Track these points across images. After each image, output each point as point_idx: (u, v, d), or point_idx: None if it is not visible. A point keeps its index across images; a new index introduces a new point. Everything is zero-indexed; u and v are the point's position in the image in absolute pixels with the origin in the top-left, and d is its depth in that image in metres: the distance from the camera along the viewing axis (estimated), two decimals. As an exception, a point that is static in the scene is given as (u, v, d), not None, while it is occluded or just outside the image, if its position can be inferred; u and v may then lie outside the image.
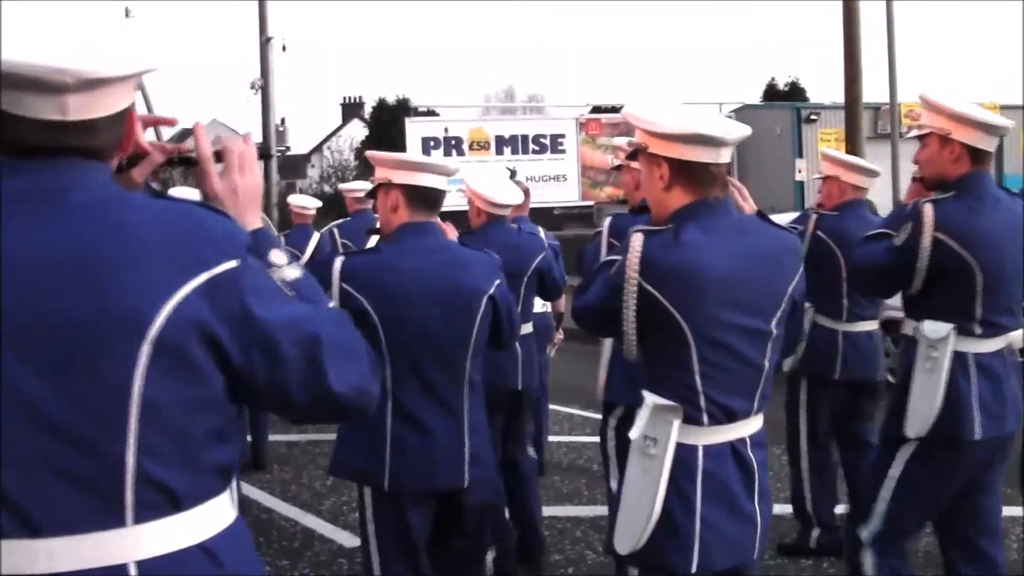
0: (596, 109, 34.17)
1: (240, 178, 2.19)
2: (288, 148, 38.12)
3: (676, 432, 3.10)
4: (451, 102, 41.43)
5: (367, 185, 9.34)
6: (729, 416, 3.18)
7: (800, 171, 29.01)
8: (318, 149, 61.16)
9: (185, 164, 2.21)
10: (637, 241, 3.13)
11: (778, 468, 7.49)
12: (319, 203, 10.39)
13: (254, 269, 1.93)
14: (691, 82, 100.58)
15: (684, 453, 3.13)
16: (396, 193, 4.08)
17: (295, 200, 10.25)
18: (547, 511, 6.87)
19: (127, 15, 37.91)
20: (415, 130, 29.00)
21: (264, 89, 30.83)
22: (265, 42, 30.25)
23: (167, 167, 2.23)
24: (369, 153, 4.40)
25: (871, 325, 6.27)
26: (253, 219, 2.19)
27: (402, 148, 27.60)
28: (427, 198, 4.10)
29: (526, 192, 7.90)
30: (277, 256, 2.16)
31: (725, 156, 3.19)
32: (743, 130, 3.22)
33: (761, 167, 29.30)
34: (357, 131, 53.37)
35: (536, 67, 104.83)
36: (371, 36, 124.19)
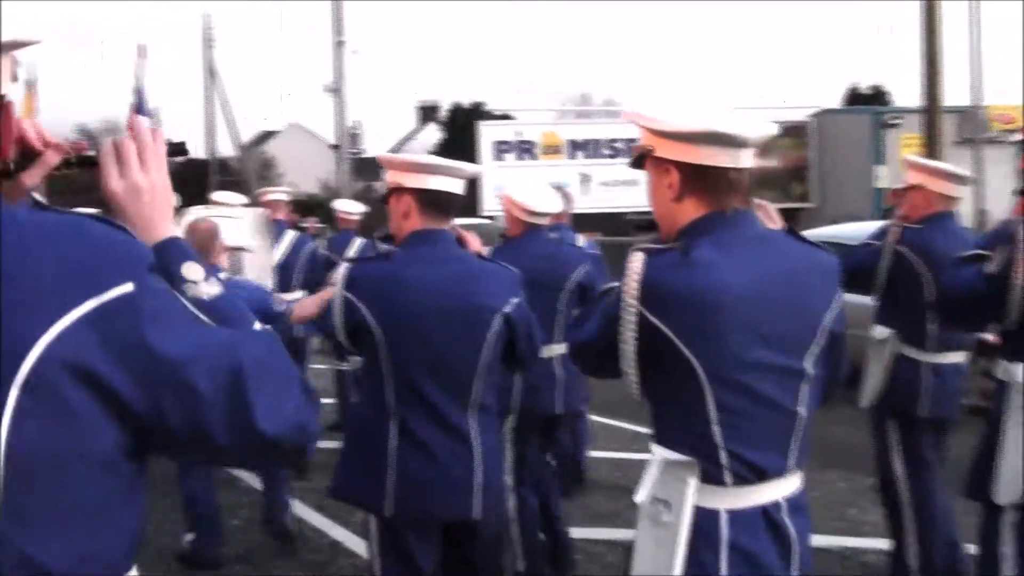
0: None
1: (143, 176, 1.85)
2: (363, 150, 38.07)
3: (693, 493, 2.59)
4: (527, 106, 41.22)
5: (240, 199, 9.18)
6: (758, 475, 2.65)
7: (880, 178, 28.20)
8: (395, 152, 61.28)
9: (85, 165, 1.89)
10: (637, 261, 2.63)
11: (826, 493, 7.15)
12: (364, 207, 10.13)
13: (156, 292, 1.59)
14: (769, 87, 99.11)
15: (704, 520, 2.61)
16: (408, 198, 3.79)
17: (339, 205, 10.06)
18: (581, 532, 6.57)
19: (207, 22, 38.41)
20: (487, 134, 28.80)
21: (337, 92, 31.12)
22: (337, 45, 30.45)
23: (64, 169, 1.87)
24: (380, 156, 4.11)
25: (960, 356, 5.56)
26: (163, 226, 1.86)
27: (475, 151, 27.46)
28: (440, 203, 3.81)
29: (567, 199, 7.60)
30: (191, 270, 1.83)
31: (746, 159, 2.68)
32: (767, 129, 2.73)
33: (839, 174, 28.57)
34: (432, 135, 53.52)
35: (613, 71, 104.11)
36: (450, 40, 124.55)
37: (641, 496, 2.69)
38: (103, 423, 1.52)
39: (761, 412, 2.64)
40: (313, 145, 57.03)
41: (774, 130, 2.78)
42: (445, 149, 45.73)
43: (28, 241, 1.51)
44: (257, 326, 1.85)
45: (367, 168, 41.49)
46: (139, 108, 9.61)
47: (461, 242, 4.05)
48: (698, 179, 2.67)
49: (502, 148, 28.55)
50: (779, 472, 2.69)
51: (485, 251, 4.22)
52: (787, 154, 29.12)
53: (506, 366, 4.03)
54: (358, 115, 73.62)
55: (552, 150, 29.15)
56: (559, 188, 8.02)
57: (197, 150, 66.62)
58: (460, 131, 40.43)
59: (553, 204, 5.77)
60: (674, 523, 2.60)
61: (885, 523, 5.73)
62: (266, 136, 69.95)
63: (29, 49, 1.80)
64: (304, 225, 10.48)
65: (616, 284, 2.74)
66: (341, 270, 3.82)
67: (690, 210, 2.70)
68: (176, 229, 1.89)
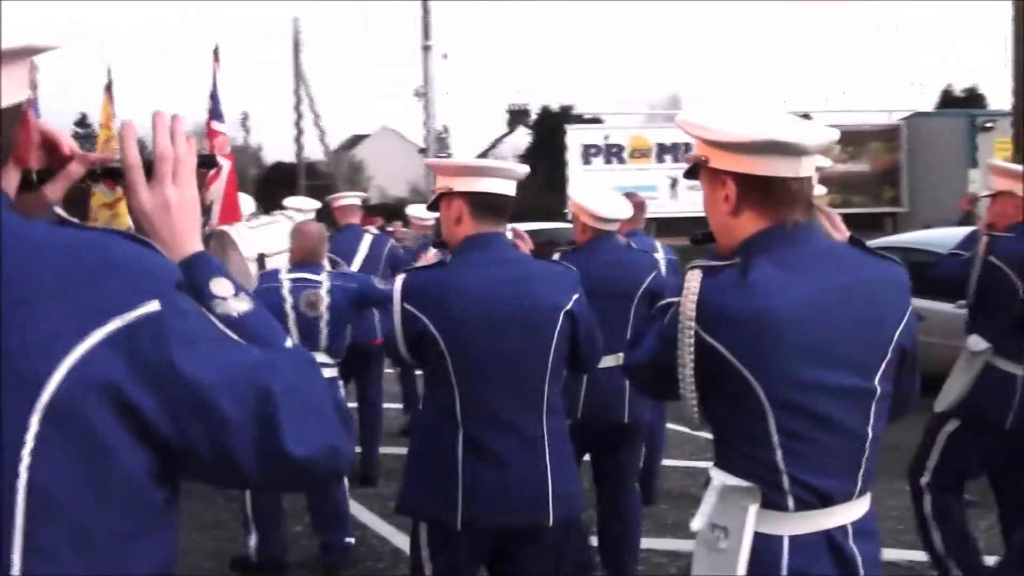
0: (762, 116, 33.18)
1: (174, 191, 1.77)
2: (451, 154, 38.05)
3: (753, 520, 2.46)
4: (615, 109, 41.01)
5: (313, 204, 9.10)
6: (823, 500, 2.50)
7: (973, 182, 27.48)
8: (484, 156, 61.55)
9: (111, 177, 1.81)
10: (694, 280, 2.49)
11: (899, 504, 6.89)
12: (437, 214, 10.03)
13: (183, 312, 1.51)
14: (861, 89, 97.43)
15: (765, 547, 2.47)
16: (459, 202, 3.70)
17: (412, 211, 9.94)
18: (646, 543, 6.36)
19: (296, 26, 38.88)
20: (575, 137, 28.53)
21: (425, 96, 31.25)
22: (425, 49, 30.56)
23: (89, 181, 1.83)
24: (427, 161, 4.01)
25: None
26: (191, 241, 1.79)
27: (563, 156, 27.35)
28: (492, 206, 3.71)
29: (641, 205, 7.49)
30: (221, 286, 1.74)
31: (807, 168, 2.51)
32: (827, 135, 2.56)
33: (931, 178, 27.85)
34: (522, 138, 53.56)
35: (703, 72, 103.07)
36: (541, 43, 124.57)
37: (698, 523, 2.57)
38: (131, 448, 1.45)
39: (826, 435, 2.50)
40: (403, 149, 57.50)
41: (835, 136, 2.60)
42: (533, 153, 45.80)
43: (48, 259, 1.44)
44: (288, 343, 1.76)
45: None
46: (215, 113, 9.60)
47: (515, 246, 3.97)
48: (756, 191, 2.52)
49: (590, 152, 28.30)
50: (846, 496, 2.55)
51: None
52: (878, 158, 28.54)
53: (568, 368, 3.92)
54: (447, 119, 73.82)
55: (640, 154, 28.79)
56: (632, 194, 7.90)
57: (286, 154, 67.65)
58: (549, 135, 40.29)
59: (622, 210, 5.63)
60: (733, 550, 2.47)
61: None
62: (357, 140, 70.61)
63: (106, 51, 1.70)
64: (390, 229, 10.43)
65: (672, 301, 2.61)
66: (396, 282, 3.74)
67: (748, 224, 2.55)
68: (201, 244, 1.80)
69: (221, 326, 1.59)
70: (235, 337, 1.60)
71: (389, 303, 6.00)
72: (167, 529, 1.56)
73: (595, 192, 5.70)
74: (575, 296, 3.77)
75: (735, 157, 2.50)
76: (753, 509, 2.46)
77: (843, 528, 2.54)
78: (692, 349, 2.48)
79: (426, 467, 3.72)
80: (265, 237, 7.11)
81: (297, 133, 42.31)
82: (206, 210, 9.16)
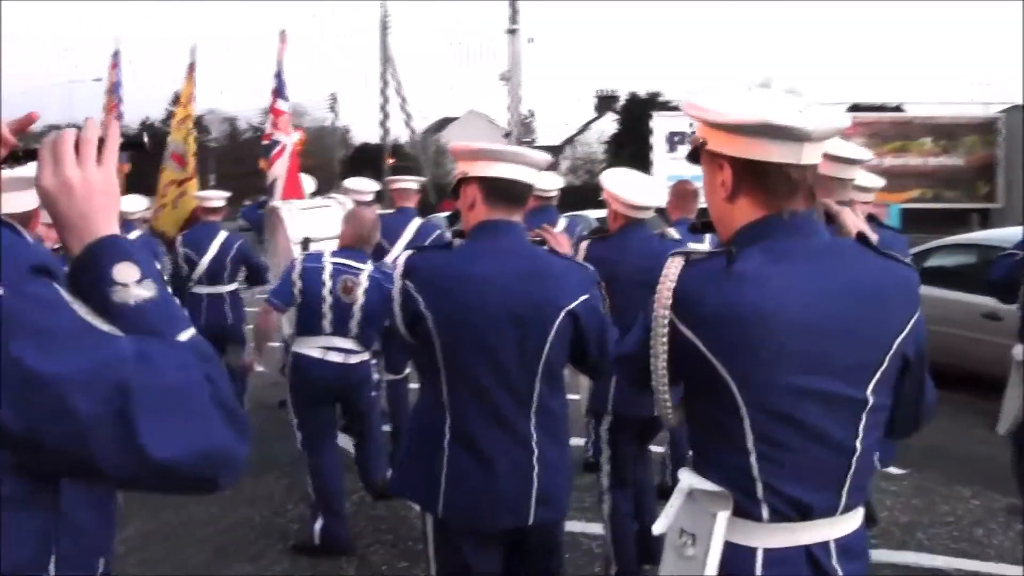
0: (855, 108, 32.49)
1: (77, 171, 1.71)
2: (536, 139, 38.03)
3: (722, 528, 2.31)
4: (704, 96, 40.50)
5: (415, 177, 9.01)
6: (802, 513, 2.33)
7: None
8: (571, 141, 61.43)
9: (32, 158, 1.77)
10: (673, 267, 2.34)
11: (953, 509, 6.72)
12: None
13: (34, 299, 1.43)
14: (959, 81, 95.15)
15: (736, 558, 2.32)
16: (473, 187, 3.60)
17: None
18: None
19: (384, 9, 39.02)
20: (660, 124, 28.26)
21: (511, 80, 31.17)
22: (510, 33, 30.45)
23: (11, 163, 1.80)
24: (451, 145, 3.91)
25: None
26: (101, 224, 1.70)
27: (648, 142, 27.13)
28: (507, 192, 3.58)
29: (692, 193, 7.30)
30: (124, 272, 1.65)
31: (810, 155, 2.32)
32: (834, 121, 2.35)
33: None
34: (608, 124, 53.25)
35: (796, 60, 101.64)
36: (630, 29, 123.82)
37: (660, 526, 2.43)
38: None
39: (808, 444, 2.31)
40: (491, 132, 57.43)
41: (846, 123, 2.40)
42: (619, 139, 45.52)
43: None
44: (184, 336, 1.65)
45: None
46: (279, 92, 9.68)
47: (543, 240, 3.82)
48: (752, 176, 2.34)
49: (675, 139, 28.00)
50: (828, 511, 2.36)
51: (569, 247, 4.01)
52: (974, 152, 27.85)
53: (578, 369, 3.81)
54: (533, 103, 73.86)
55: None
56: (685, 182, 7.70)
57: (373, 135, 67.89)
58: (636, 121, 39.97)
59: (655, 198, 5.46)
60: (700, 558, 2.33)
61: (1013, 547, 5.33)
62: (444, 123, 70.84)
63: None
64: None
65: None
66: (400, 258, 3.63)
67: (744, 211, 2.38)
68: (115, 227, 1.72)
69: (87, 317, 1.50)
70: (103, 328, 1.50)
71: None
72: (32, 521, 1.49)
73: (628, 179, 5.47)
74: (583, 297, 3.60)
75: (732, 139, 2.34)
76: (723, 516, 2.31)
77: (824, 545, 2.36)
78: (665, 340, 2.33)
79: (415, 449, 3.65)
80: (314, 221, 7.08)
81: (383, 115, 42.49)
82: (269, 188, 9.22)
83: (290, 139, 9.39)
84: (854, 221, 2.68)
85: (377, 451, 6.85)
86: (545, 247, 3.78)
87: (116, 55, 12.11)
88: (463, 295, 3.46)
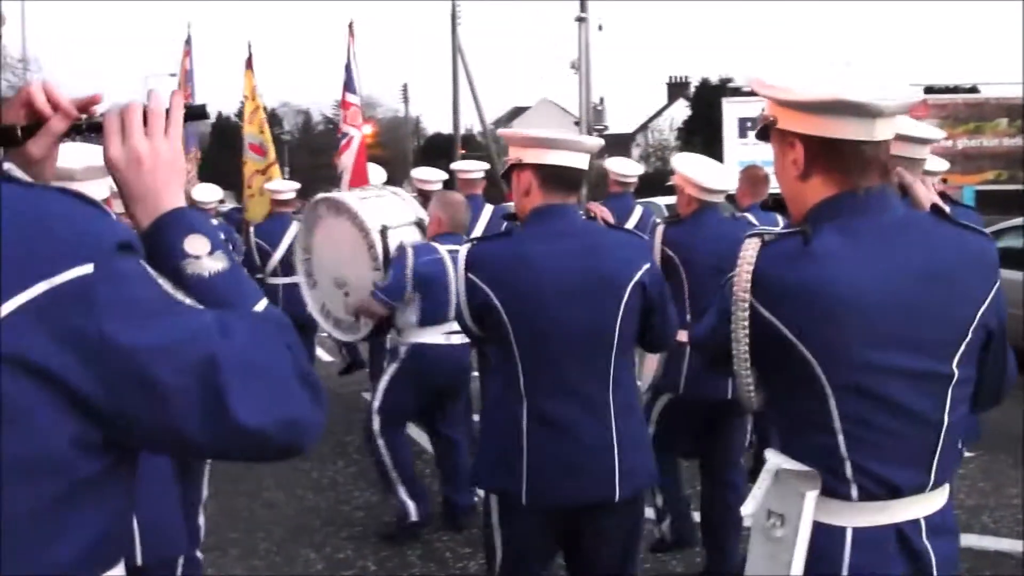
0: (929, 89, 31.91)
1: (147, 143, 1.70)
2: (607, 127, 37.90)
3: (811, 507, 2.27)
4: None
5: (481, 165, 9.00)
6: (891, 491, 2.29)
7: None
8: (643, 128, 61.20)
9: (95, 131, 1.74)
10: (751, 249, 2.32)
11: (1012, 493, 6.74)
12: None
13: (121, 275, 1.41)
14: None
15: (825, 538, 2.29)
16: (528, 174, 3.61)
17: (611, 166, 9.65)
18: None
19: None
20: (731, 110, 27.95)
21: (580, 68, 31.04)
22: (579, 21, 30.32)
23: (73, 136, 1.76)
24: (501, 131, 4.00)
25: None
26: (168, 197, 1.71)
27: (720, 129, 26.92)
28: (563, 178, 3.60)
29: (763, 178, 7.24)
30: (195, 244, 1.66)
31: (883, 131, 2.28)
32: (907, 95, 2.32)
33: None
34: (680, 111, 52.95)
35: (871, 43, 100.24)
36: (699, 15, 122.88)
37: (749, 507, 2.40)
38: (53, 420, 1.36)
39: (895, 422, 2.28)
40: (563, 121, 57.37)
41: (918, 96, 2.37)
42: (691, 126, 45.22)
43: None
44: (259, 307, 1.67)
45: (611, 145, 41.55)
46: (348, 84, 9.74)
47: (592, 216, 3.86)
48: (825, 154, 2.30)
49: (746, 125, 27.71)
50: (918, 488, 2.33)
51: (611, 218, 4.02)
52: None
53: (642, 344, 3.80)
54: (603, 91, 73.63)
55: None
56: (755, 167, 7.63)
57: (445, 125, 68.22)
58: (707, 108, 39.68)
59: (728, 181, 5.50)
60: (789, 539, 2.30)
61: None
62: (517, 112, 70.91)
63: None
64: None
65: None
66: (462, 251, 3.67)
67: (817, 190, 2.34)
68: (182, 199, 1.72)
69: (170, 290, 1.50)
70: (186, 302, 1.51)
71: None
72: (102, 506, 1.47)
73: (701, 163, 5.48)
74: (646, 266, 3.63)
75: (803, 117, 2.30)
76: (812, 496, 2.28)
77: (915, 523, 2.33)
78: (746, 324, 2.30)
79: (493, 438, 3.67)
80: (381, 209, 7.06)
81: (454, 105, 42.66)
82: (338, 180, 9.28)
83: (358, 132, 9.44)
84: (926, 194, 2.61)
85: (464, 460, 6.65)
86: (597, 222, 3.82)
87: (188, 42, 12.22)
88: (529, 279, 3.49)
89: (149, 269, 1.49)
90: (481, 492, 3.86)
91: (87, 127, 1.74)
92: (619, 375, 3.57)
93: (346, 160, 9.31)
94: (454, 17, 39.57)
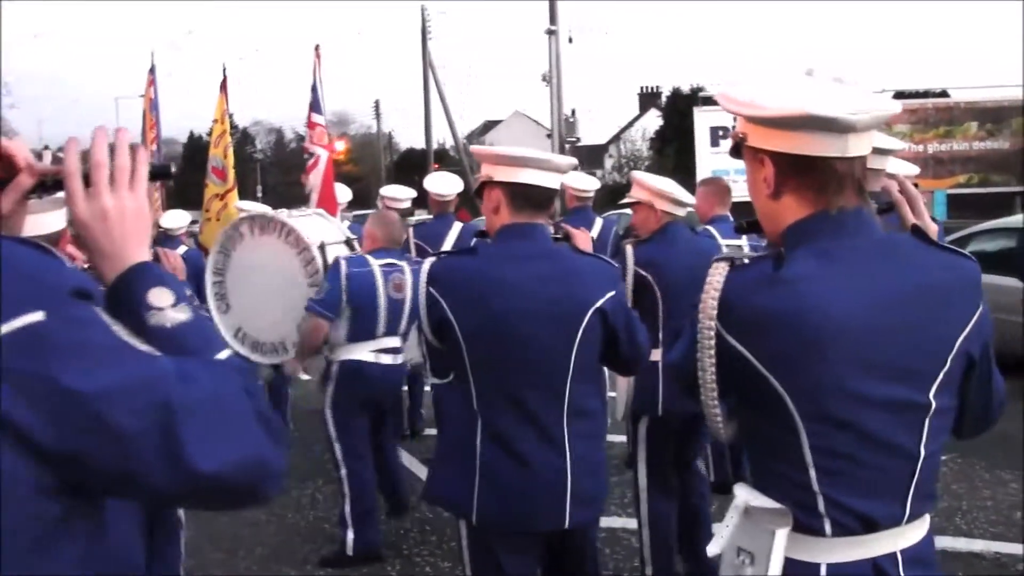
0: (899, 95, 32.06)
1: (112, 199, 1.72)
2: (579, 139, 37.98)
3: (782, 546, 2.18)
4: (747, 90, 40.22)
5: (454, 185, 8.88)
6: (866, 525, 2.20)
7: None
8: (616, 139, 61.29)
9: (60, 188, 1.75)
10: (717, 275, 2.21)
11: (994, 494, 6.81)
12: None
13: (75, 321, 1.43)
14: (1002, 63, 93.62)
15: (799, 574, 2.20)
16: (498, 192, 3.60)
17: (570, 181, 9.75)
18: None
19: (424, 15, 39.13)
20: (703, 119, 28.06)
21: (552, 80, 31.12)
22: (549, 34, 30.41)
23: (39, 192, 1.76)
24: (473, 148, 4.01)
25: None
26: (134, 251, 1.72)
27: (693, 138, 26.98)
28: (532, 197, 3.58)
29: (726, 190, 7.33)
30: (160, 297, 1.68)
31: (857, 147, 2.18)
32: (881, 108, 2.21)
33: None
34: (652, 121, 53.04)
35: (839, 49, 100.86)
36: (668, 26, 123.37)
37: (715, 547, 2.30)
38: (11, 462, 1.36)
39: (869, 454, 2.18)
40: (535, 134, 57.44)
41: (891, 110, 2.26)
42: (664, 136, 45.30)
43: None
44: (222, 355, 1.67)
45: (584, 156, 41.57)
46: (314, 105, 9.88)
47: (568, 237, 3.82)
48: (796, 172, 2.21)
49: (718, 134, 27.78)
50: (894, 521, 2.23)
51: (589, 244, 4.04)
52: (1020, 135, 27.29)
53: (611, 368, 3.80)
54: (575, 103, 73.87)
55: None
56: (716, 178, 7.76)
57: (418, 140, 68.19)
58: (680, 117, 39.73)
59: (689, 196, 5.52)
60: None
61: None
62: (490, 125, 70.94)
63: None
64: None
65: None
66: (425, 265, 3.63)
67: (790, 209, 2.25)
68: (147, 254, 1.74)
69: (126, 337, 1.49)
70: (142, 348, 1.50)
71: None
72: (75, 543, 1.49)
73: (663, 178, 5.49)
74: (610, 293, 3.60)
75: (772, 133, 2.21)
76: (782, 534, 2.18)
77: (892, 556, 2.23)
78: (712, 352, 2.20)
79: (448, 456, 3.67)
80: (316, 227, 7.05)
81: (426, 121, 42.63)
82: (307, 199, 9.37)
83: (325, 152, 9.60)
84: (908, 214, 2.55)
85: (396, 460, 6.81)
86: (567, 244, 3.79)
87: (152, 71, 12.25)
88: (489, 299, 3.46)
89: (104, 316, 1.48)
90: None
91: (52, 184, 1.74)
92: (578, 401, 3.54)
93: (313, 179, 9.50)
94: (424, 32, 39.58)
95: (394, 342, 6.35)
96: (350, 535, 6.37)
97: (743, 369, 2.17)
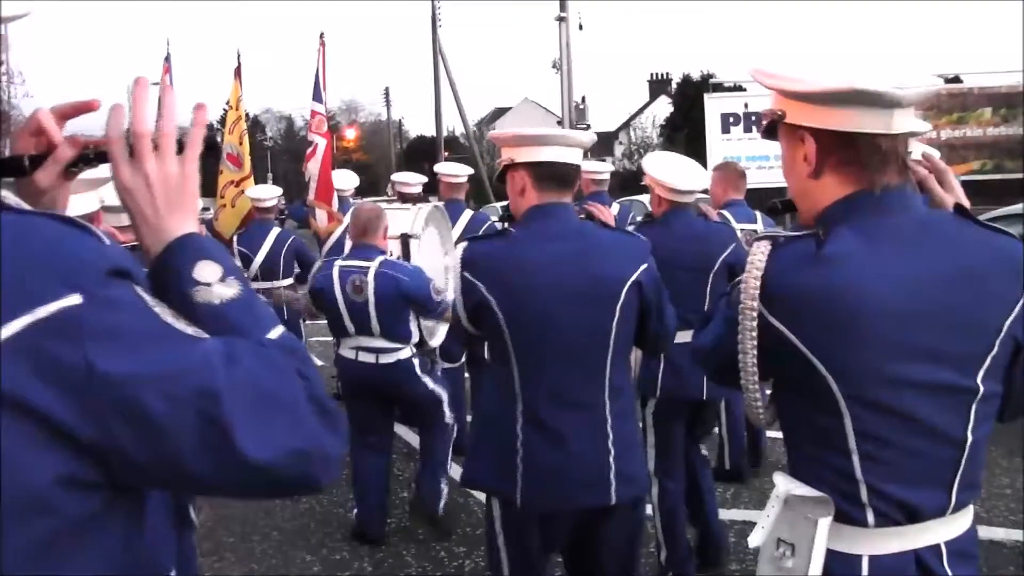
0: (912, 80, 31.96)
1: (157, 166, 1.61)
2: (589, 126, 37.87)
3: (824, 535, 2.12)
4: (758, 76, 40.11)
5: (465, 169, 8.89)
6: (909, 514, 2.14)
7: None
8: (626, 126, 61.16)
9: (103, 159, 1.67)
10: (759, 253, 2.14)
11: (1004, 483, 6.80)
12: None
13: (113, 304, 1.34)
14: (1016, 48, 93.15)
15: (839, 567, 2.14)
16: (522, 173, 3.58)
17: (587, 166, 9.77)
18: (741, 515, 6.45)
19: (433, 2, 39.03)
20: (714, 106, 27.84)
21: (561, 67, 31.04)
22: (560, 20, 30.30)
23: (80, 165, 1.68)
24: (492, 134, 3.94)
25: None
26: (177, 222, 1.62)
27: (703, 125, 26.84)
28: (557, 175, 3.57)
29: (742, 175, 7.25)
30: (206, 271, 1.57)
31: (901, 123, 2.12)
32: (926, 83, 2.14)
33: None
34: (662, 108, 52.92)
35: (852, 34, 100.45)
36: (679, 12, 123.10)
37: (758, 538, 2.24)
38: (37, 458, 1.28)
39: (914, 440, 2.11)
40: (545, 120, 57.34)
41: (936, 86, 2.19)
42: (674, 123, 45.21)
43: None
44: (274, 334, 1.56)
45: (594, 144, 41.43)
46: (315, 94, 9.90)
47: (591, 216, 3.78)
48: (839, 149, 2.15)
49: (729, 121, 27.64)
50: (938, 511, 2.16)
51: (613, 221, 3.96)
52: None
53: (638, 346, 3.76)
54: (585, 90, 73.83)
55: (782, 122, 28.03)
56: (732, 164, 7.67)
57: (428, 127, 68.08)
58: (690, 104, 39.62)
59: (698, 181, 5.43)
60: (800, 570, 2.15)
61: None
62: (499, 112, 70.91)
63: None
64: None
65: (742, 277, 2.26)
66: (457, 250, 3.63)
67: (831, 188, 2.18)
68: (195, 225, 1.64)
69: (169, 319, 1.41)
70: (187, 331, 1.41)
71: (432, 310, 6.08)
72: (100, 544, 1.39)
73: (671, 163, 5.46)
74: (643, 267, 3.59)
75: (814, 110, 2.14)
76: (824, 523, 2.12)
77: (935, 548, 2.16)
78: (755, 335, 2.13)
79: (487, 440, 3.62)
80: (403, 218, 7.13)
81: (436, 107, 42.41)
82: (308, 187, 9.41)
83: (324, 140, 9.63)
84: (937, 187, 2.46)
85: (434, 462, 6.60)
86: (593, 222, 3.77)
87: (168, 59, 12.21)
88: (526, 280, 3.44)
89: (144, 296, 1.41)
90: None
91: (95, 156, 1.67)
92: (615, 378, 3.53)
93: (312, 168, 9.53)
94: (435, 19, 39.43)
95: (372, 342, 6.27)
96: (354, 512, 6.58)
97: (786, 352, 2.11)
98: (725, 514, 6.19)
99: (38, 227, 1.34)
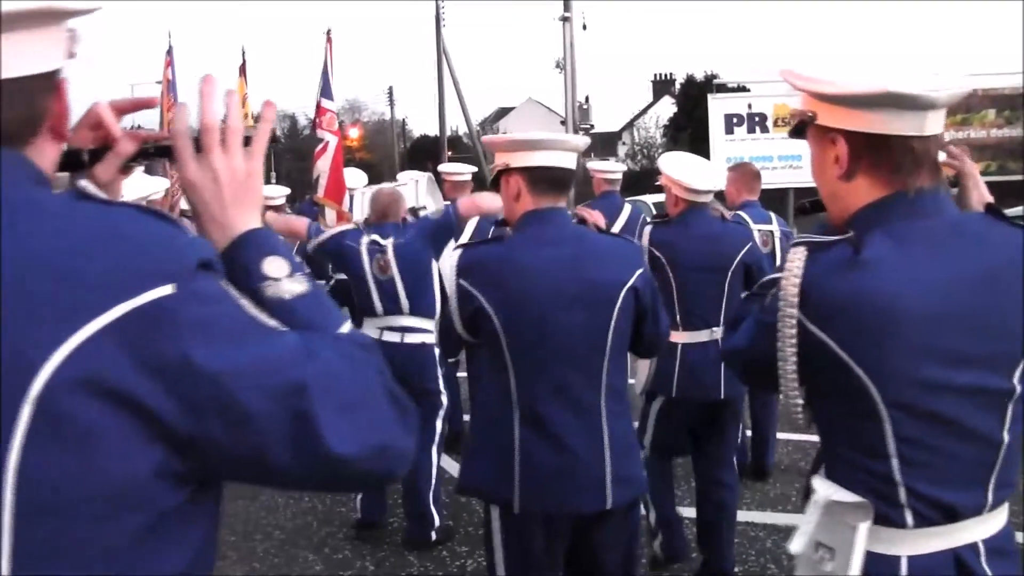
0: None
1: (224, 160, 1.63)
2: (592, 126, 37.86)
3: (864, 539, 2.12)
4: (762, 77, 40.05)
5: (468, 168, 8.93)
6: (947, 514, 2.14)
7: None
8: (629, 126, 61.17)
9: (163, 154, 1.69)
10: (797, 259, 2.13)
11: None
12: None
13: (204, 296, 1.36)
14: (1019, 50, 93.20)
15: (878, 568, 2.13)
16: (516, 178, 3.59)
17: (593, 165, 9.80)
18: (743, 516, 6.33)
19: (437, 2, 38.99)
20: (717, 106, 27.81)
21: (565, 67, 30.99)
22: (563, 20, 30.26)
23: (141, 160, 1.71)
24: (485, 139, 3.98)
25: None
26: (243, 216, 1.64)
27: (707, 125, 26.80)
28: (552, 179, 3.58)
29: (756, 175, 7.24)
30: (274, 266, 1.58)
31: (934, 125, 2.12)
32: (959, 86, 2.14)
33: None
34: (666, 108, 52.91)
35: (854, 36, 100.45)
36: (683, 12, 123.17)
37: (799, 545, 2.22)
38: (134, 447, 1.29)
39: (951, 442, 2.12)
40: (548, 121, 57.34)
41: (968, 87, 2.19)
42: (677, 123, 45.17)
43: (59, 237, 1.31)
44: (345, 328, 1.59)
45: (597, 144, 41.50)
46: (324, 90, 9.86)
47: (583, 221, 3.79)
48: (872, 152, 2.14)
49: (733, 121, 27.59)
50: (975, 510, 2.16)
51: (603, 222, 3.95)
52: None
53: (632, 349, 3.76)
54: (589, 90, 73.86)
55: (785, 122, 27.92)
56: (746, 164, 7.67)
57: (432, 127, 68.20)
58: (693, 104, 39.59)
59: (715, 181, 5.46)
60: (840, 573, 2.14)
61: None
62: (503, 112, 70.90)
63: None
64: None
65: (775, 278, 2.25)
66: (452, 257, 3.63)
67: (863, 191, 2.17)
68: (259, 220, 1.66)
69: (254, 312, 1.43)
70: (270, 324, 1.44)
71: (450, 224, 6.07)
72: (183, 541, 1.41)
73: (687, 163, 5.46)
74: (639, 271, 3.61)
75: (846, 112, 2.13)
76: (864, 528, 2.11)
77: (973, 547, 2.16)
78: (795, 341, 2.12)
79: (484, 445, 3.63)
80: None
81: (440, 107, 42.39)
82: (314, 184, 9.38)
83: (334, 137, 9.58)
84: (977, 196, 2.46)
85: (418, 487, 6.34)
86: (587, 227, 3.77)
87: (170, 52, 12.18)
88: (522, 287, 3.46)
89: (231, 289, 1.43)
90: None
91: (155, 151, 1.68)
92: (612, 381, 3.54)
93: (322, 165, 9.48)
94: (438, 19, 39.38)
95: (400, 320, 6.22)
96: (358, 496, 6.60)
97: (825, 358, 2.10)
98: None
99: (128, 219, 1.36)
